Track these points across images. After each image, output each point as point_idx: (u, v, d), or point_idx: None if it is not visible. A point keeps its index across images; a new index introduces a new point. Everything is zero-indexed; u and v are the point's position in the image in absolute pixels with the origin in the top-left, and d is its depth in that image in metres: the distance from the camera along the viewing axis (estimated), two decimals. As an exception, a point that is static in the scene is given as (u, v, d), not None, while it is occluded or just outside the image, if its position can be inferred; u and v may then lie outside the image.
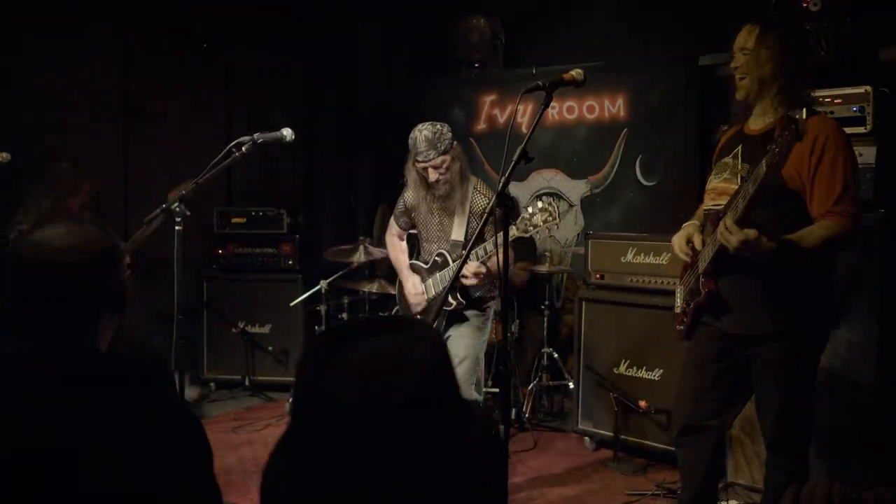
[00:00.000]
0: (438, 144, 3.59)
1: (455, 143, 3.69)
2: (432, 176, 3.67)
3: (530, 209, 3.33)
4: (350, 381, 0.91)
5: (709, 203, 3.01)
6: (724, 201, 2.86)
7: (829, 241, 2.69)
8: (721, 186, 2.95)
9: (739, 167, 2.89)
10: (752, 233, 2.60)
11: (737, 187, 2.81)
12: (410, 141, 3.65)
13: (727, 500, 3.80)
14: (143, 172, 5.71)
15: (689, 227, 3.07)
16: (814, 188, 2.72)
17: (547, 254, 5.64)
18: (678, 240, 3.07)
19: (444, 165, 3.65)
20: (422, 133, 3.62)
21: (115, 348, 1.64)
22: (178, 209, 3.18)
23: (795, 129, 2.44)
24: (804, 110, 2.45)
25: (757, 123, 2.93)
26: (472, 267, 3.51)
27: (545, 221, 3.30)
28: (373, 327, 0.99)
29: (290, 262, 5.92)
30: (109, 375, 1.47)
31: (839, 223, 2.68)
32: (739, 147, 2.93)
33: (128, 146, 5.74)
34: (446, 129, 3.67)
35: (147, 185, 5.32)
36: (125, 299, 1.60)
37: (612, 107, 5.82)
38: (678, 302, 3.16)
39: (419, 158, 3.65)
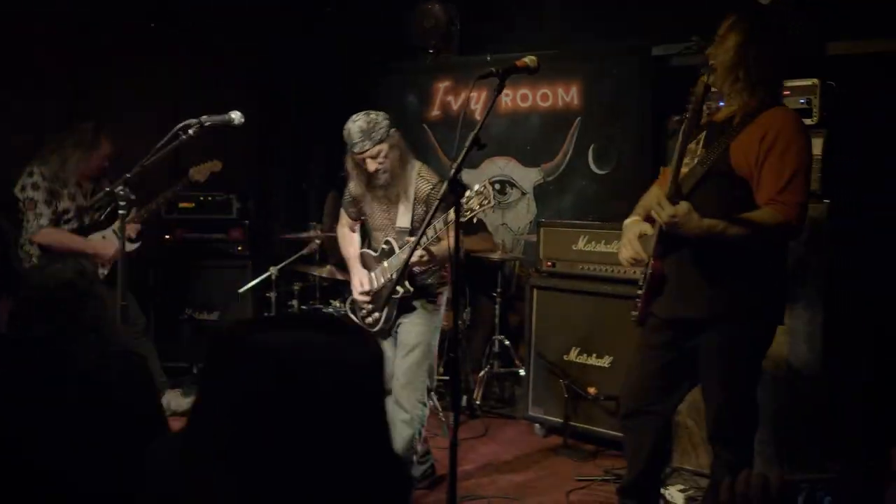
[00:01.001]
0: (373, 134, 3.53)
1: (393, 130, 3.61)
2: (370, 166, 3.61)
3: (467, 193, 3.31)
4: (266, 362, 0.90)
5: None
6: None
7: (765, 227, 2.69)
8: (684, 172, 2.95)
9: (698, 152, 2.92)
10: (682, 207, 2.64)
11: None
12: (345, 133, 3.58)
13: (673, 485, 3.85)
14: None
15: (635, 226, 3.04)
16: (761, 176, 2.73)
17: (499, 241, 5.64)
18: (630, 243, 3.00)
19: (382, 154, 3.58)
20: (355, 124, 3.55)
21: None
22: (121, 192, 3.11)
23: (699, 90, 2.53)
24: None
25: (722, 112, 2.97)
26: (415, 252, 3.48)
27: (480, 205, 3.27)
28: (314, 322, 0.97)
29: (240, 248, 5.83)
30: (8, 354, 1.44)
31: (781, 212, 2.69)
32: (703, 134, 2.96)
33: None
34: (381, 117, 3.59)
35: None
36: (15, 278, 1.58)
37: (566, 95, 5.82)
38: (640, 286, 3.13)
39: (354, 150, 3.59)
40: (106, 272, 4.41)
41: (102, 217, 4.45)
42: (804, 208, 2.73)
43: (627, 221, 3.10)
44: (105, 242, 4.44)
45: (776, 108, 2.80)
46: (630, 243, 2.99)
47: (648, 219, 3.00)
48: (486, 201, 3.26)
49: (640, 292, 3.04)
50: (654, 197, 2.87)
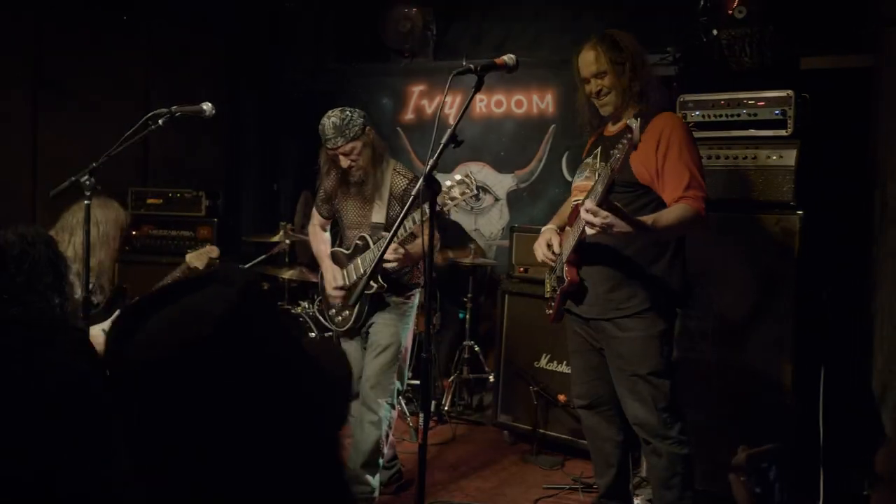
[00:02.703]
0: (346, 131, 3.51)
1: (368, 128, 3.59)
2: (343, 162, 3.59)
3: (448, 182, 3.28)
4: (151, 327, 0.83)
5: (571, 201, 3.26)
6: (584, 197, 3.06)
7: (683, 220, 2.90)
8: (582, 185, 3.18)
9: (598, 166, 3.12)
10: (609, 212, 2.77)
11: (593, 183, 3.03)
12: (319, 127, 3.57)
13: (642, 494, 3.82)
14: (53, 146, 5.44)
15: (548, 233, 3.29)
16: (664, 178, 2.96)
17: (471, 246, 5.61)
18: (539, 246, 3.26)
19: (355, 152, 3.56)
20: (329, 120, 3.55)
21: None
22: (87, 182, 3.02)
23: (631, 138, 2.61)
24: (638, 120, 2.62)
25: (612, 127, 3.20)
26: (390, 247, 3.44)
27: (462, 194, 3.26)
28: (189, 286, 0.89)
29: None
30: None
31: (692, 206, 2.91)
32: (599, 148, 3.20)
33: (36, 118, 5.46)
34: (356, 114, 3.58)
35: (58, 159, 5.07)
36: None
37: (541, 102, 5.82)
38: (546, 288, 3.37)
39: (328, 146, 3.58)
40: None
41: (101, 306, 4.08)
42: (707, 200, 2.96)
43: (545, 228, 3.35)
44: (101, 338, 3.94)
45: (663, 114, 3.06)
46: (540, 248, 3.25)
47: (561, 228, 3.29)
48: (469, 190, 3.24)
49: (547, 291, 3.32)
50: (570, 208, 3.18)
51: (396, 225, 2.79)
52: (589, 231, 2.82)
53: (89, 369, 1.45)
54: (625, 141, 2.62)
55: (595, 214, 2.74)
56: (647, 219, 2.85)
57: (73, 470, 1.33)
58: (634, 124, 2.58)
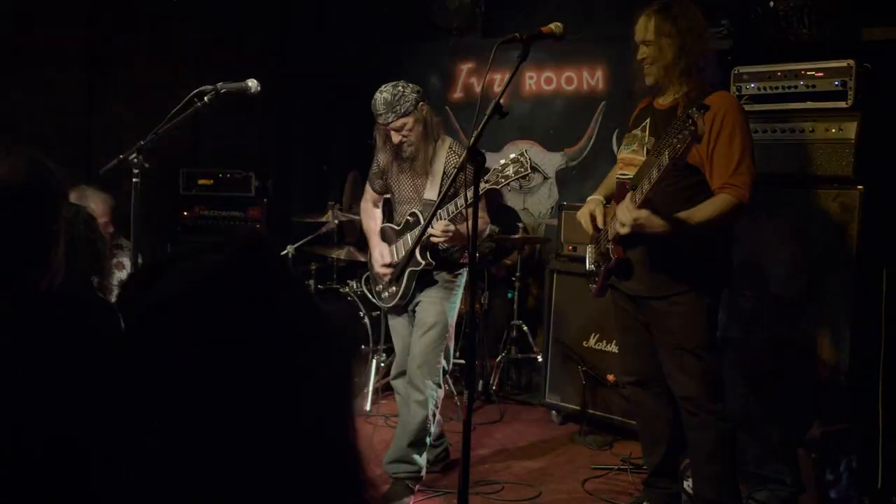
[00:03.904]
0: (397, 107, 3.47)
1: (421, 103, 3.54)
2: (395, 138, 3.56)
3: (502, 161, 3.24)
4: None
5: (618, 173, 3.22)
6: (631, 172, 3.04)
7: (722, 212, 2.87)
8: (629, 157, 3.14)
9: (646, 140, 3.09)
10: (642, 214, 2.79)
11: (643, 159, 3.01)
12: (372, 102, 3.54)
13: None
14: (107, 126, 5.51)
15: (592, 204, 3.25)
16: (713, 163, 2.90)
17: (520, 225, 5.55)
18: (583, 216, 3.26)
19: (406, 128, 3.52)
20: (381, 95, 3.51)
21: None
22: (135, 160, 3.04)
23: (695, 130, 2.54)
24: (702, 113, 2.54)
25: (665, 99, 3.12)
26: (440, 224, 3.40)
27: (516, 173, 3.22)
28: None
29: (258, 227, 5.77)
30: None
31: (735, 194, 2.86)
32: (647, 121, 3.14)
33: (92, 101, 5.54)
34: (409, 89, 3.52)
35: (112, 140, 5.13)
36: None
37: (591, 79, 5.72)
38: (588, 263, 3.35)
39: (379, 121, 3.55)
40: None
41: None
42: (755, 186, 2.90)
43: (590, 198, 3.31)
44: None
45: (717, 94, 2.98)
46: (583, 217, 3.24)
47: (608, 200, 3.26)
48: (523, 169, 3.20)
49: (590, 266, 3.31)
50: (615, 179, 3.22)
51: (438, 202, 2.75)
52: (622, 232, 2.86)
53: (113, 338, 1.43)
54: (687, 132, 2.56)
55: (624, 220, 2.81)
56: (683, 214, 2.85)
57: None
58: (698, 116, 2.52)
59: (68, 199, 1.69)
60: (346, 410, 0.85)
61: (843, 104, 3.55)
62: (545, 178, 5.87)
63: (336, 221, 5.21)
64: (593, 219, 3.22)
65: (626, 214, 2.82)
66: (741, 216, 2.99)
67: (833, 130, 3.56)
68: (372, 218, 3.92)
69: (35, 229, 1.46)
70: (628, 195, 2.88)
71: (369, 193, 3.95)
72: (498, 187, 3.31)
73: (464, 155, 3.61)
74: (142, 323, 0.80)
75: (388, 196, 3.91)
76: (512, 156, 3.23)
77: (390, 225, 3.81)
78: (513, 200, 5.92)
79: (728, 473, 3.11)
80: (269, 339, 0.79)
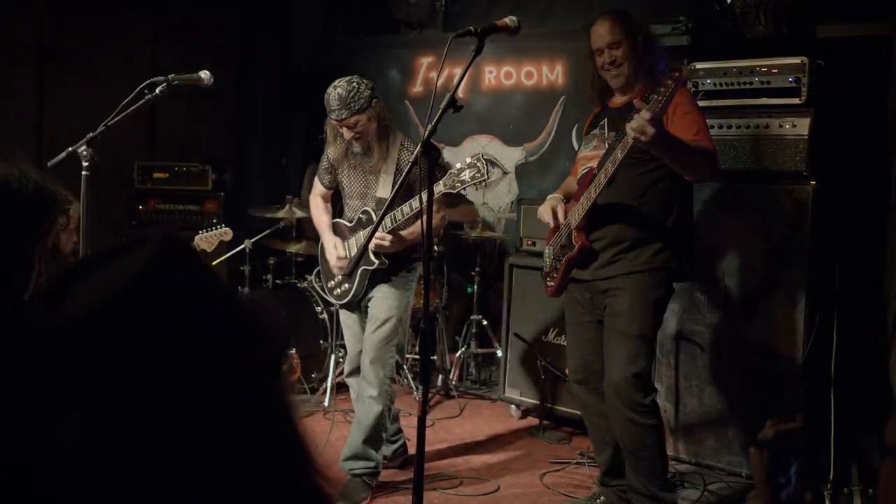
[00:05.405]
0: (352, 104, 3.39)
1: (375, 100, 3.47)
2: (346, 134, 3.51)
3: (459, 165, 3.22)
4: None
5: (580, 171, 3.29)
6: (595, 164, 3.15)
7: (698, 150, 2.92)
8: (590, 154, 3.24)
9: (606, 135, 3.19)
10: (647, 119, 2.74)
11: (604, 152, 3.11)
12: (325, 97, 3.46)
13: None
14: (59, 120, 5.39)
15: (553, 200, 3.34)
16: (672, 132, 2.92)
17: (478, 220, 5.54)
18: (545, 210, 3.34)
19: (360, 125, 3.46)
20: (336, 90, 3.42)
21: None
22: (84, 153, 2.97)
23: (679, 76, 2.62)
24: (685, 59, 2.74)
25: (619, 99, 3.22)
26: (378, 237, 3.36)
27: (473, 178, 3.18)
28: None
29: (215, 221, 5.66)
30: None
31: (704, 144, 2.96)
32: (605, 119, 3.24)
33: (42, 92, 5.42)
34: (364, 86, 3.44)
35: (62, 134, 5.02)
36: None
37: (551, 74, 5.72)
38: (546, 262, 3.40)
39: (332, 117, 3.48)
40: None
41: None
42: (716, 153, 3.04)
43: (550, 196, 3.42)
44: None
45: None
46: (545, 213, 3.33)
47: (566, 200, 3.35)
48: (479, 175, 3.17)
49: (547, 264, 3.37)
50: (575, 181, 3.35)
51: (389, 201, 2.71)
52: (634, 133, 2.72)
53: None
54: (670, 81, 2.62)
55: (640, 117, 2.70)
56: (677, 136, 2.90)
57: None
58: (681, 64, 2.66)
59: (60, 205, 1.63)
60: (282, 401, 0.83)
61: (797, 100, 3.59)
62: (504, 173, 5.86)
63: (294, 216, 5.16)
64: (554, 214, 3.26)
65: (640, 120, 2.67)
66: (713, 167, 3.01)
67: (787, 126, 3.60)
68: (323, 212, 3.86)
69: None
70: (641, 113, 2.74)
71: (318, 188, 3.88)
72: (454, 192, 3.28)
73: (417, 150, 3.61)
74: (63, 337, 0.76)
75: (338, 189, 3.87)
76: (468, 160, 3.19)
77: (342, 221, 3.77)
78: (472, 195, 5.90)
79: (655, 468, 3.12)
80: (198, 339, 0.77)
